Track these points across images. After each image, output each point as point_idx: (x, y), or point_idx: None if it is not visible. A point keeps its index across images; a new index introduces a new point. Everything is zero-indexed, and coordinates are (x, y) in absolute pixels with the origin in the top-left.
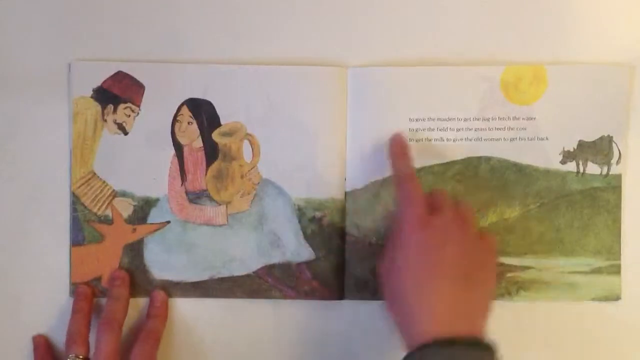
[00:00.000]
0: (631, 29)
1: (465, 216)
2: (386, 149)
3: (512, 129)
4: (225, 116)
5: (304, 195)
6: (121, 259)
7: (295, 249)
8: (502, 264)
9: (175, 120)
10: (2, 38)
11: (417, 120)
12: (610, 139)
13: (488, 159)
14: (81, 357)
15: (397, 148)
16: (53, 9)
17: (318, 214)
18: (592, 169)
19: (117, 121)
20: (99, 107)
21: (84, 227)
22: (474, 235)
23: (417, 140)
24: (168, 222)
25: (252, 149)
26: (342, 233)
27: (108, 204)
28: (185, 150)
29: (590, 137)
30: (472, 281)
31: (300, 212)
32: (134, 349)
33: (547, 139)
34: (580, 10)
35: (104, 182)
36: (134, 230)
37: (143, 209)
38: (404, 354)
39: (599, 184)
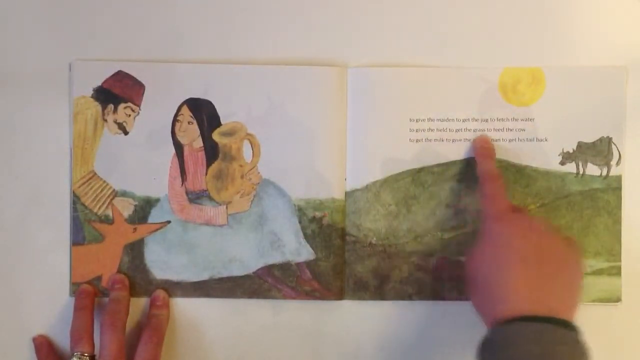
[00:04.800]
0: (626, 32)
1: (542, 221)
2: (472, 148)
3: (511, 130)
4: (226, 116)
5: (304, 195)
6: (121, 258)
7: (295, 249)
8: None
9: (175, 120)
10: (2, 38)
11: (417, 120)
12: (609, 140)
13: None
14: (87, 354)
15: (483, 149)
16: (53, 9)
17: (318, 214)
18: (592, 170)
19: (118, 121)
20: (99, 107)
21: (84, 227)
22: (550, 232)
23: (417, 141)
24: (168, 222)
25: (252, 149)
26: (342, 233)
27: (108, 203)
28: (186, 150)
29: (589, 138)
30: (547, 269)
31: (300, 212)
32: (138, 349)
33: (546, 140)
34: (576, 13)
35: (104, 181)
36: (135, 230)
37: (143, 209)
38: (402, 354)
39: (599, 185)
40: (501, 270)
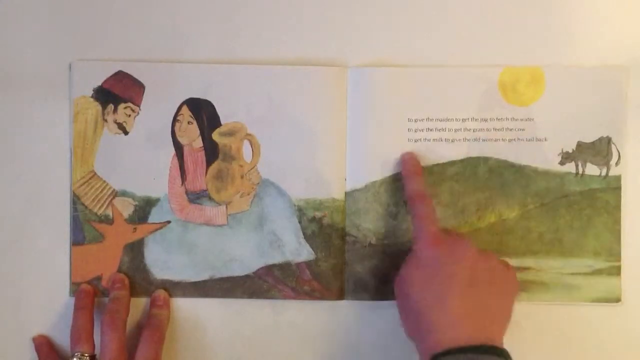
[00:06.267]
0: (626, 32)
1: (473, 243)
2: (394, 158)
3: (511, 129)
4: (226, 116)
5: (304, 195)
6: (121, 258)
7: (295, 249)
8: None
9: (175, 120)
10: (2, 38)
11: (416, 120)
12: (609, 140)
13: (487, 160)
14: (87, 354)
15: (410, 167)
16: (53, 9)
17: (318, 214)
18: (592, 169)
19: (118, 121)
20: (99, 107)
21: (84, 227)
22: (483, 254)
23: (415, 141)
24: (168, 222)
25: (252, 149)
26: (342, 233)
27: (108, 203)
28: (186, 150)
29: (589, 138)
30: (482, 293)
31: (300, 212)
32: (138, 348)
33: (545, 139)
34: (576, 13)
35: (104, 181)
36: (135, 229)
37: (144, 209)
38: (402, 354)
39: (599, 185)
40: (435, 298)
